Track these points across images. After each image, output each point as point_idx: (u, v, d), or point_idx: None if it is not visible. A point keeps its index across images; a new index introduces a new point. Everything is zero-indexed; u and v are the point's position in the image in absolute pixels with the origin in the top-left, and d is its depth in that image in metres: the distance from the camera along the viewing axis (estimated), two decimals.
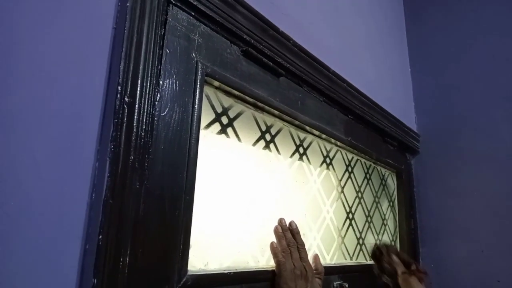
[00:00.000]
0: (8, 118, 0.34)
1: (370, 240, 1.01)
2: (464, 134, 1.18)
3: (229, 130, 0.63)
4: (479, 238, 1.07)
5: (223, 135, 0.62)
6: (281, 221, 0.66)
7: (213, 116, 0.60)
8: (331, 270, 0.78)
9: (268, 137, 0.72)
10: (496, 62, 1.17)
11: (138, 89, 0.44)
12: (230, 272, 0.55)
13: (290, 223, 0.67)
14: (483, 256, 1.06)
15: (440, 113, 1.26)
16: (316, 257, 0.72)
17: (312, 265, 0.68)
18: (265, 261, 0.66)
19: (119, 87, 0.41)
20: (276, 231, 0.65)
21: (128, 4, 0.44)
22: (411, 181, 1.24)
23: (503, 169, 1.08)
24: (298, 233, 0.67)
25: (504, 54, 1.16)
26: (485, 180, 1.11)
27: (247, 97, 0.64)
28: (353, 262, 0.92)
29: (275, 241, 0.65)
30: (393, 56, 1.30)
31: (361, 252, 0.96)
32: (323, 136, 0.84)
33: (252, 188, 0.67)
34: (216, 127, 0.61)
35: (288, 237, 0.65)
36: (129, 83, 0.43)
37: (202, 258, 0.55)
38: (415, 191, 1.23)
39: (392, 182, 1.19)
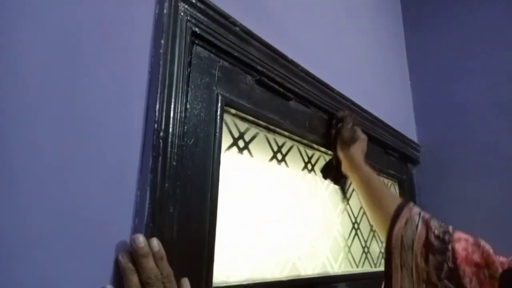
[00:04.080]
0: (67, 156, 0.40)
1: (375, 248, 1.06)
2: (464, 144, 1.24)
3: (245, 152, 0.69)
4: None
5: (240, 156, 0.68)
6: (135, 241, 0.41)
7: (231, 140, 0.66)
8: (339, 279, 0.84)
9: (279, 156, 0.78)
10: (496, 74, 1.23)
11: (171, 125, 0.50)
12: (249, 284, 0.61)
13: (151, 243, 0.43)
14: None
15: (440, 124, 1.32)
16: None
17: None
18: (280, 272, 0.72)
19: (156, 125, 0.48)
20: (122, 262, 0.41)
21: (161, 51, 0.50)
22: (413, 190, 1.30)
23: (502, 179, 1.14)
24: (163, 257, 0.44)
25: (504, 67, 1.21)
26: (485, 189, 1.16)
27: (260, 121, 0.70)
28: (359, 270, 0.97)
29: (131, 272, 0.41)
30: (393, 69, 1.37)
31: (366, 260, 1.02)
32: (329, 152, 0.90)
33: (268, 202, 0.73)
34: (234, 150, 0.67)
35: (148, 267, 0.41)
36: (163, 120, 0.49)
37: (224, 271, 0.60)
38: (417, 199, 1.29)
39: (394, 192, 1.25)
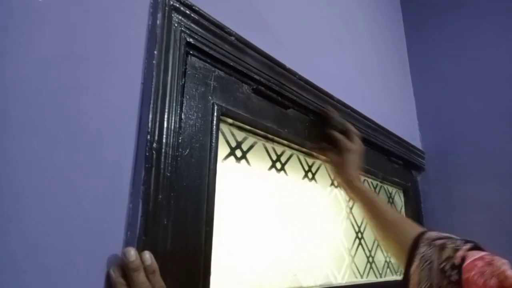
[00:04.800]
0: (57, 170, 0.40)
1: (380, 258, 1.04)
2: (469, 150, 1.22)
3: (243, 161, 0.68)
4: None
5: (238, 166, 0.67)
6: (126, 255, 0.41)
7: (228, 150, 0.66)
8: None
9: (279, 165, 0.77)
10: (499, 79, 1.21)
11: (164, 135, 0.49)
12: None
13: (142, 256, 0.42)
14: None
15: (444, 130, 1.30)
16: None
17: None
18: (280, 284, 0.70)
19: (149, 136, 0.47)
20: (113, 276, 0.40)
21: (154, 61, 0.50)
22: (418, 197, 1.28)
23: (507, 184, 1.11)
24: (155, 270, 0.43)
25: (506, 71, 1.20)
26: (491, 195, 1.14)
27: (258, 130, 0.70)
28: (364, 280, 0.95)
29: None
30: (395, 76, 1.36)
31: (371, 270, 0.99)
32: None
33: (267, 212, 0.72)
34: (232, 159, 0.66)
35: (139, 281, 0.40)
36: (156, 131, 0.48)
37: (222, 283, 0.59)
38: (422, 207, 1.27)
39: (399, 199, 1.23)
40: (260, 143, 0.73)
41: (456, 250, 0.53)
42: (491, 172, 1.15)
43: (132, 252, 0.41)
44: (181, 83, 0.54)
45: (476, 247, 0.53)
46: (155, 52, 0.51)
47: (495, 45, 1.24)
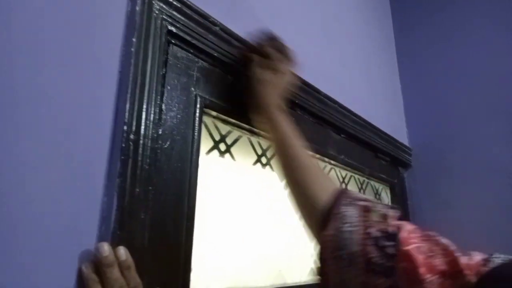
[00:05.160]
0: (28, 161, 0.38)
1: None
2: (455, 147, 1.23)
3: (227, 155, 0.67)
4: (472, 250, 1.10)
5: (221, 160, 0.65)
6: (99, 250, 0.38)
7: (211, 143, 0.64)
8: None
9: (264, 160, 0.75)
10: (486, 78, 1.22)
11: (142, 126, 0.47)
12: None
13: (117, 252, 0.40)
14: None
15: (431, 127, 1.31)
16: None
17: None
18: (264, 280, 0.69)
19: (125, 127, 0.45)
20: (85, 272, 0.38)
21: (132, 49, 0.48)
22: (404, 194, 1.28)
23: (494, 182, 1.12)
24: (131, 266, 0.40)
25: (494, 70, 1.21)
26: (477, 193, 1.14)
27: (243, 124, 0.68)
28: None
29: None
30: (383, 72, 1.35)
31: None
32: (317, 155, 0.88)
33: (252, 207, 0.71)
34: (215, 153, 0.64)
35: (113, 278, 0.38)
36: (134, 122, 0.46)
37: (204, 280, 0.58)
38: (409, 204, 1.27)
39: (386, 196, 1.23)
40: (245, 137, 0.71)
41: (384, 216, 0.44)
42: (478, 169, 1.15)
43: (105, 247, 0.39)
44: (161, 73, 0.52)
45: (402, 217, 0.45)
46: (134, 39, 0.48)
47: (484, 43, 1.25)
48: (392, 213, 0.44)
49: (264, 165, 0.75)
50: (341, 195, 0.49)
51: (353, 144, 1.03)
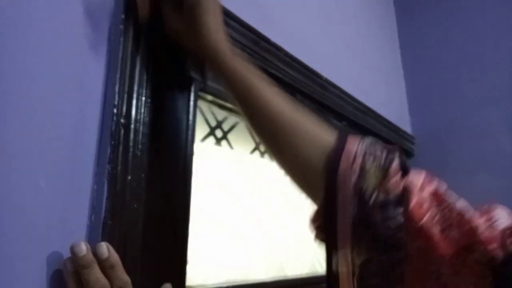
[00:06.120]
0: (11, 147, 0.35)
1: None
2: (459, 135, 1.20)
3: (224, 142, 0.64)
4: None
5: (218, 148, 0.63)
6: (74, 250, 0.34)
7: (207, 129, 0.61)
8: None
9: (262, 148, 0.72)
10: (491, 64, 1.19)
11: (134, 110, 0.44)
12: (229, 286, 0.56)
13: (98, 249, 0.35)
14: None
15: (435, 115, 1.28)
16: None
17: None
18: (265, 273, 0.67)
19: (115, 109, 0.42)
20: (65, 271, 0.35)
21: (121, 27, 0.45)
22: None
23: (498, 170, 1.10)
24: (115, 265, 0.35)
25: (497, 55, 1.18)
26: (481, 181, 1.12)
27: None
28: None
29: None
30: (386, 59, 1.32)
31: None
32: None
33: (249, 197, 0.68)
34: (211, 140, 0.61)
35: (91, 279, 0.34)
36: (125, 104, 0.43)
37: (201, 273, 0.55)
38: None
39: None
40: (243, 123, 0.68)
41: (385, 171, 0.36)
42: (481, 158, 1.13)
43: (82, 247, 0.34)
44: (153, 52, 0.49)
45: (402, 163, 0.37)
46: (123, 16, 0.45)
47: (489, 28, 1.22)
48: (392, 160, 0.37)
49: (262, 154, 0.72)
50: (340, 155, 0.39)
51: (355, 132, 1.00)
